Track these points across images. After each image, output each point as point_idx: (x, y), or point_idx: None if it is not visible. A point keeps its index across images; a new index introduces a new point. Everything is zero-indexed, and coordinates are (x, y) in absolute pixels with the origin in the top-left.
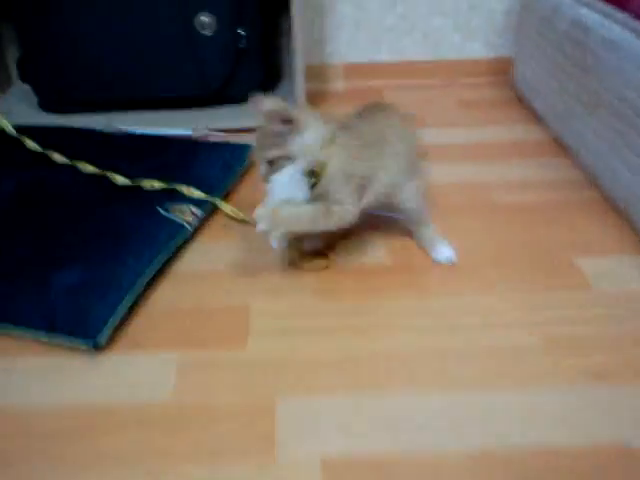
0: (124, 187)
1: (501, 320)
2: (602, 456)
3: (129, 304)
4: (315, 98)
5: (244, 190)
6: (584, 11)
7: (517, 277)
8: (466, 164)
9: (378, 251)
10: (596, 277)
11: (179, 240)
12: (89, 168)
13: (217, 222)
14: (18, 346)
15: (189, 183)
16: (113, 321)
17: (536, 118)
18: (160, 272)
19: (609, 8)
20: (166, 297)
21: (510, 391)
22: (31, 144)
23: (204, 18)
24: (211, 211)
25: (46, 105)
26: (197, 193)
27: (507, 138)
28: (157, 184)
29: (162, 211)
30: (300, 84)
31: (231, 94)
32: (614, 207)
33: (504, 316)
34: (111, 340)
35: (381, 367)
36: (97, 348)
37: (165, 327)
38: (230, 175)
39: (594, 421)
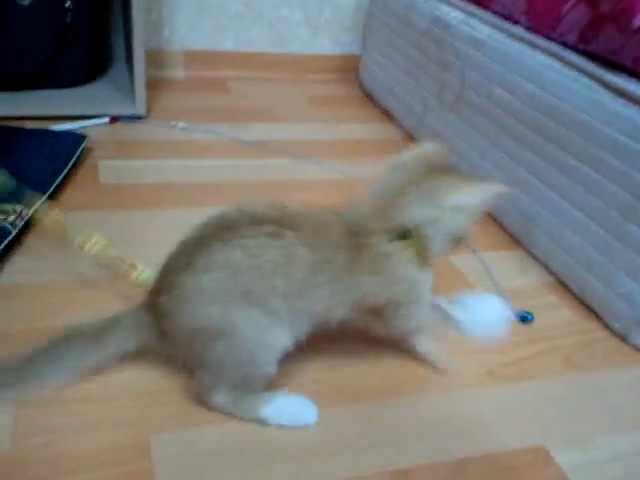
0: None
1: None
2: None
3: None
4: (154, 86)
5: (74, 190)
6: (444, 9)
7: None
8: (326, 161)
9: None
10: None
11: None
12: None
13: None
14: None
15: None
16: None
17: (387, 116)
18: None
19: (471, 6)
20: None
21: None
22: None
23: None
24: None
25: None
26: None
27: (361, 135)
28: None
29: None
30: (140, 71)
31: (54, 76)
32: None
33: None
34: None
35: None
36: None
37: None
38: (58, 169)
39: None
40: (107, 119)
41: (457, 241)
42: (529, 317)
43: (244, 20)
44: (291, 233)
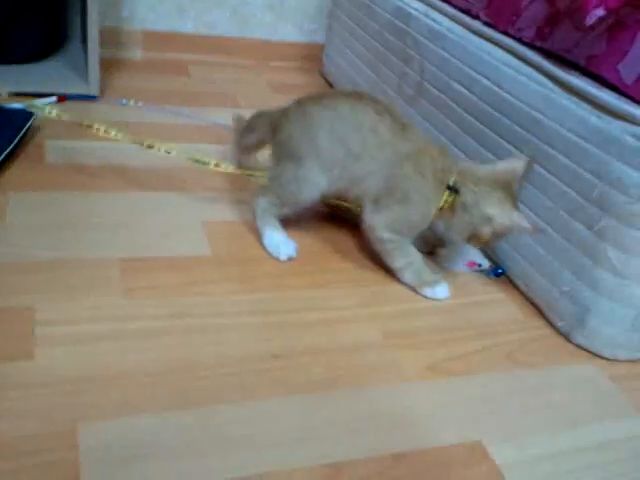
0: None
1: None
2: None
3: None
4: (110, 66)
5: (18, 169)
6: (407, 0)
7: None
8: None
9: (195, 237)
10: None
11: None
12: None
13: None
14: None
15: None
16: None
17: None
18: None
19: None
20: None
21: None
22: None
23: None
24: None
25: None
26: None
27: None
28: None
29: None
30: (94, 49)
31: (6, 52)
32: None
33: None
34: None
35: (205, 378)
36: None
37: None
38: (2, 146)
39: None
40: (55, 98)
41: (472, 238)
42: (500, 270)
43: (206, 2)
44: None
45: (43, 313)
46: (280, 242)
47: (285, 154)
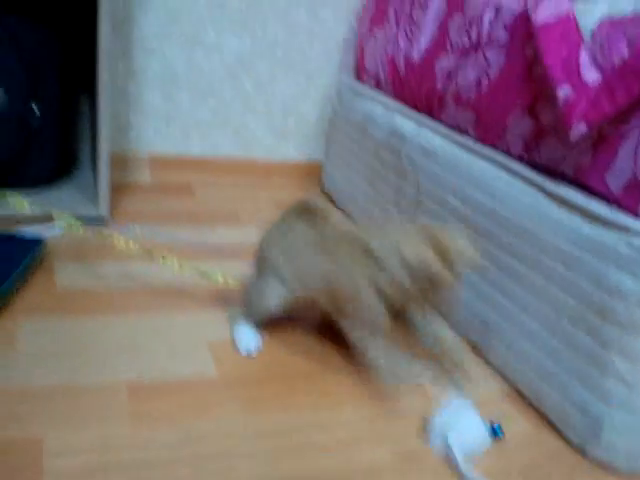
0: None
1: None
2: None
3: None
4: (118, 189)
5: (30, 293)
6: (398, 119)
7: None
8: None
9: (202, 358)
10: None
11: None
12: None
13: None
14: None
15: None
16: None
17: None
18: None
19: (423, 117)
20: None
21: None
22: None
23: None
24: None
25: None
26: None
27: None
28: None
29: None
30: (104, 174)
31: (19, 178)
32: None
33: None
34: None
35: None
36: None
37: None
38: (14, 272)
39: None
40: (62, 229)
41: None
42: (499, 433)
43: (210, 126)
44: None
45: (51, 443)
46: (245, 337)
47: (255, 266)
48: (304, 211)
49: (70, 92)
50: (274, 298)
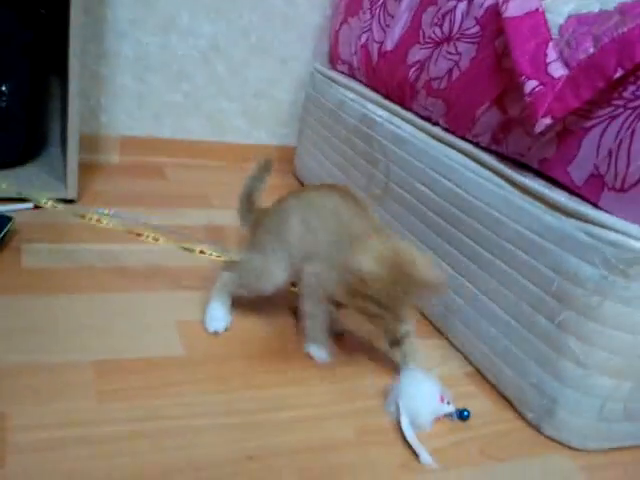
0: None
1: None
2: None
3: None
4: (87, 170)
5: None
6: (371, 107)
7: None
8: None
9: (169, 337)
10: None
11: None
12: None
13: None
14: None
15: None
16: None
17: None
18: None
19: (395, 105)
20: None
21: None
22: None
23: None
24: None
25: None
26: None
27: None
28: None
29: None
30: (73, 155)
31: None
32: None
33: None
34: None
35: None
36: None
37: None
38: None
39: None
40: (31, 204)
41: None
42: (465, 413)
43: (181, 109)
44: None
45: (15, 419)
46: (215, 315)
47: (256, 243)
48: (328, 188)
49: (40, 73)
50: (274, 281)
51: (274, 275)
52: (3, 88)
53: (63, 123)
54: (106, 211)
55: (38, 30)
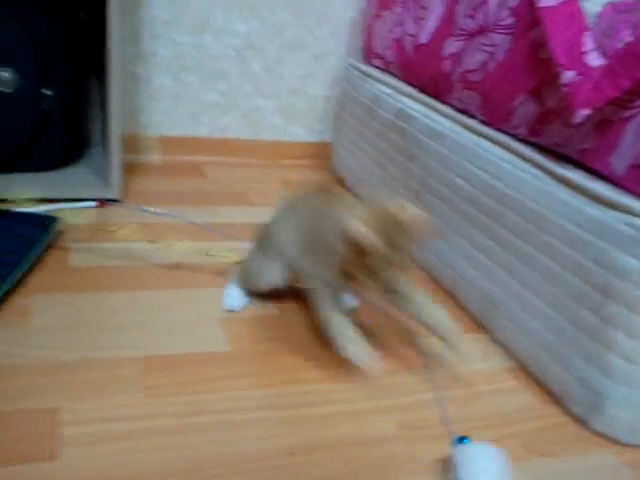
0: None
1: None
2: None
3: None
4: (129, 170)
5: (42, 271)
6: (406, 101)
7: None
8: None
9: (213, 333)
10: None
11: None
12: None
13: (18, 300)
14: None
15: None
16: None
17: None
18: None
19: (430, 99)
20: None
21: None
22: None
23: (3, 73)
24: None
25: None
26: None
27: None
28: None
29: None
30: (116, 156)
31: (31, 159)
32: (441, 288)
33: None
34: None
35: (223, 476)
36: None
37: None
38: (28, 251)
39: None
40: (95, 202)
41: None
42: (465, 441)
43: (218, 108)
44: None
45: (67, 414)
46: (231, 294)
47: (255, 244)
48: (317, 190)
49: (81, 76)
50: (273, 276)
51: (268, 274)
52: (49, 92)
53: (104, 125)
54: (152, 209)
55: (78, 33)
